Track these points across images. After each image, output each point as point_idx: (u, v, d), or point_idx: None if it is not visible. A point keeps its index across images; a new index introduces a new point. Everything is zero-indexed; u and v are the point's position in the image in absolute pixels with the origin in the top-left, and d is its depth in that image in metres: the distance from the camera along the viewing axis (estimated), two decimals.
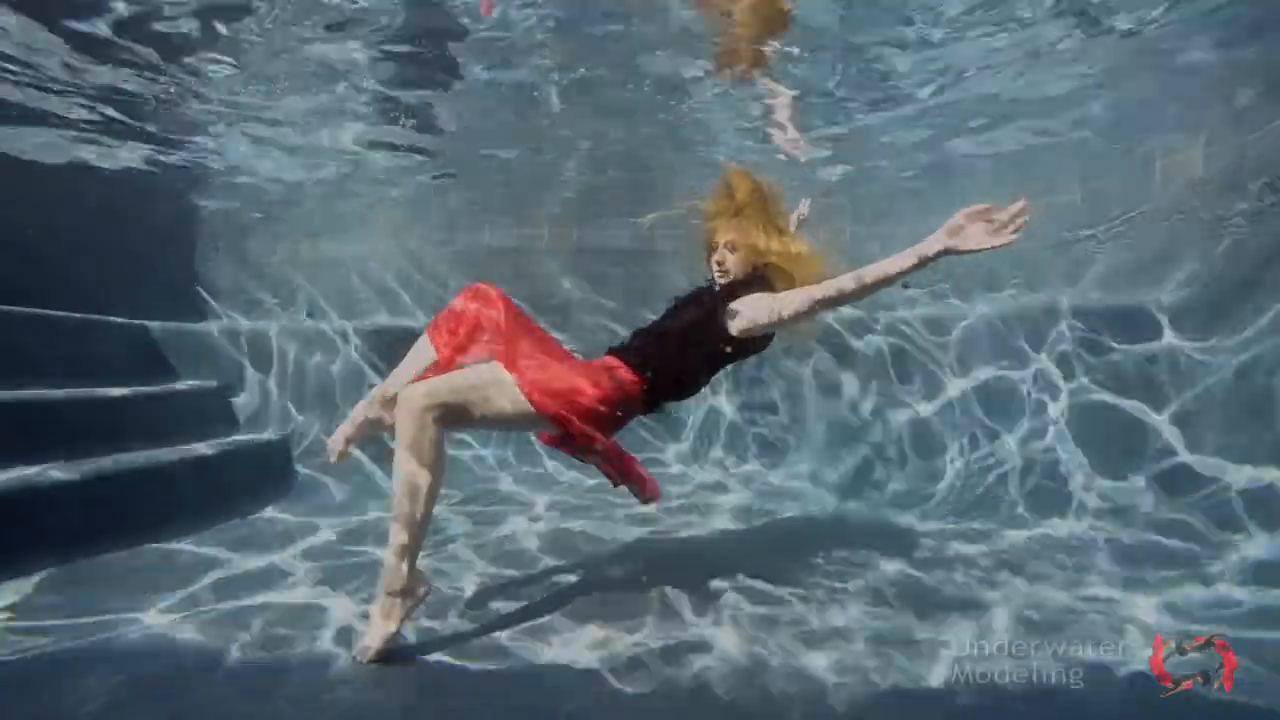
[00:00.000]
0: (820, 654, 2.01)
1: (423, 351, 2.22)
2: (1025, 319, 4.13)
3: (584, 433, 2.09)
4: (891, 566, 2.82)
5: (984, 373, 4.20)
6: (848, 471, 4.47)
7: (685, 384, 2.33)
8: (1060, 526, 3.40)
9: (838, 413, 4.70)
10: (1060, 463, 3.73)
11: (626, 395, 2.21)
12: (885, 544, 3.12)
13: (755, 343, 2.31)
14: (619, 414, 2.20)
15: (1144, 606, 2.36)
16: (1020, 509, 3.63)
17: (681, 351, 2.26)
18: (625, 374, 2.22)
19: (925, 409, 4.34)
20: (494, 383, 2.06)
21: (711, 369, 2.36)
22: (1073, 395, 3.84)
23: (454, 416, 2.00)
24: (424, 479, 1.95)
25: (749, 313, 2.18)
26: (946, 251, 1.76)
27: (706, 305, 2.31)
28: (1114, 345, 3.76)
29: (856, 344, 4.72)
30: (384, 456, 3.81)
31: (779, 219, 2.37)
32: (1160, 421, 3.51)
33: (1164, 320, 3.64)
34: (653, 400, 2.29)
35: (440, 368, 2.16)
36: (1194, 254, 3.74)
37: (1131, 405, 3.64)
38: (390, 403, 2.21)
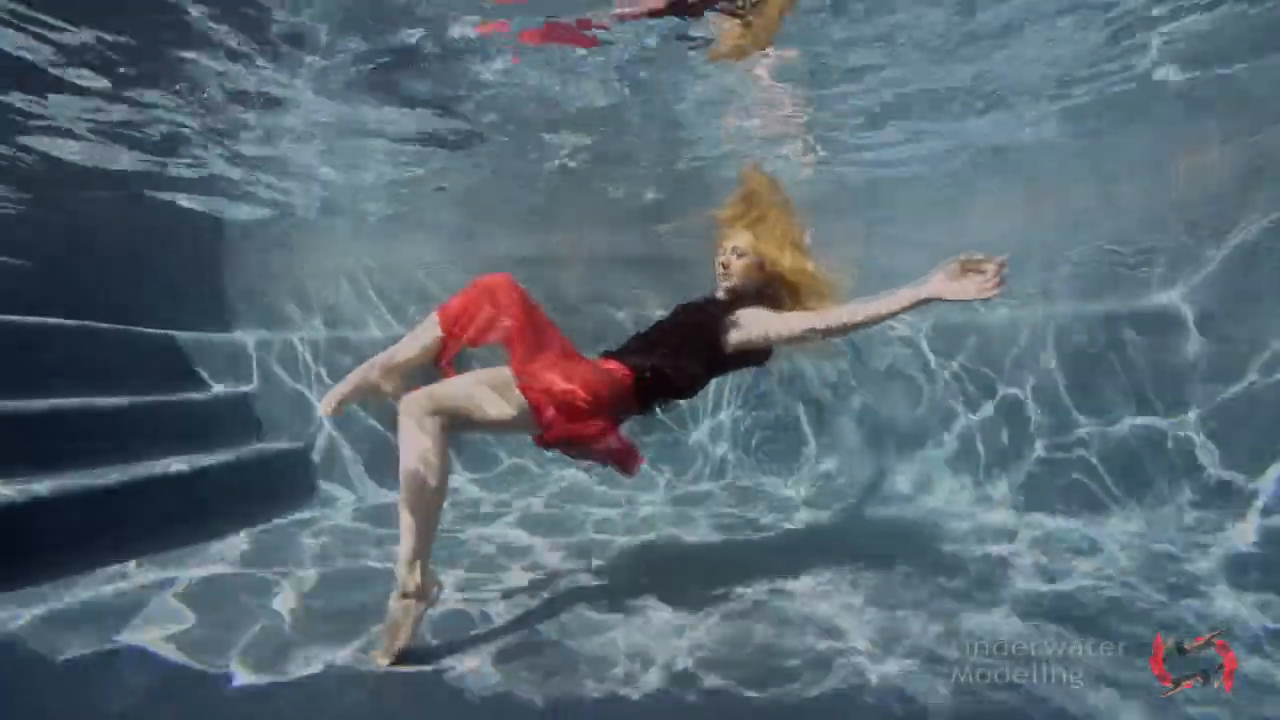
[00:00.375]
0: (841, 656, 2.02)
1: (429, 328, 2.22)
2: (1069, 324, 4.02)
3: (582, 437, 2.13)
4: (921, 568, 2.82)
5: (1024, 377, 4.13)
6: (880, 473, 4.47)
7: (682, 387, 2.36)
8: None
9: (871, 414, 4.70)
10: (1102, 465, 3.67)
11: (623, 397, 2.24)
12: (915, 546, 3.13)
13: (754, 354, 2.33)
14: (616, 416, 2.24)
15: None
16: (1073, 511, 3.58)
17: (678, 356, 2.29)
18: (622, 375, 2.25)
19: (968, 413, 4.30)
20: (496, 386, 2.10)
21: (708, 374, 2.39)
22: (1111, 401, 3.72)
23: (456, 420, 2.04)
24: (429, 483, 1.99)
25: (747, 326, 2.22)
26: (937, 298, 1.82)
27: (708, 313, 2.34)
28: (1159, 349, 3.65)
29: (894, 346, 4.69)
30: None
31: (793, 232, 2.38)
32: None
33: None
34: (647, 401, 2.32)
35: (447, 349, 2.18)
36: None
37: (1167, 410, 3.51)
38: (390, 372, 2.24)
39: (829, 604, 2.44)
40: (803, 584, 2.64)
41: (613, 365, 2.27)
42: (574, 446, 2.19)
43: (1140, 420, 3.59)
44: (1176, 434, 3.43)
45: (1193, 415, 3.41)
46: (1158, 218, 4.02)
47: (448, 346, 2.19)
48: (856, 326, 2.03)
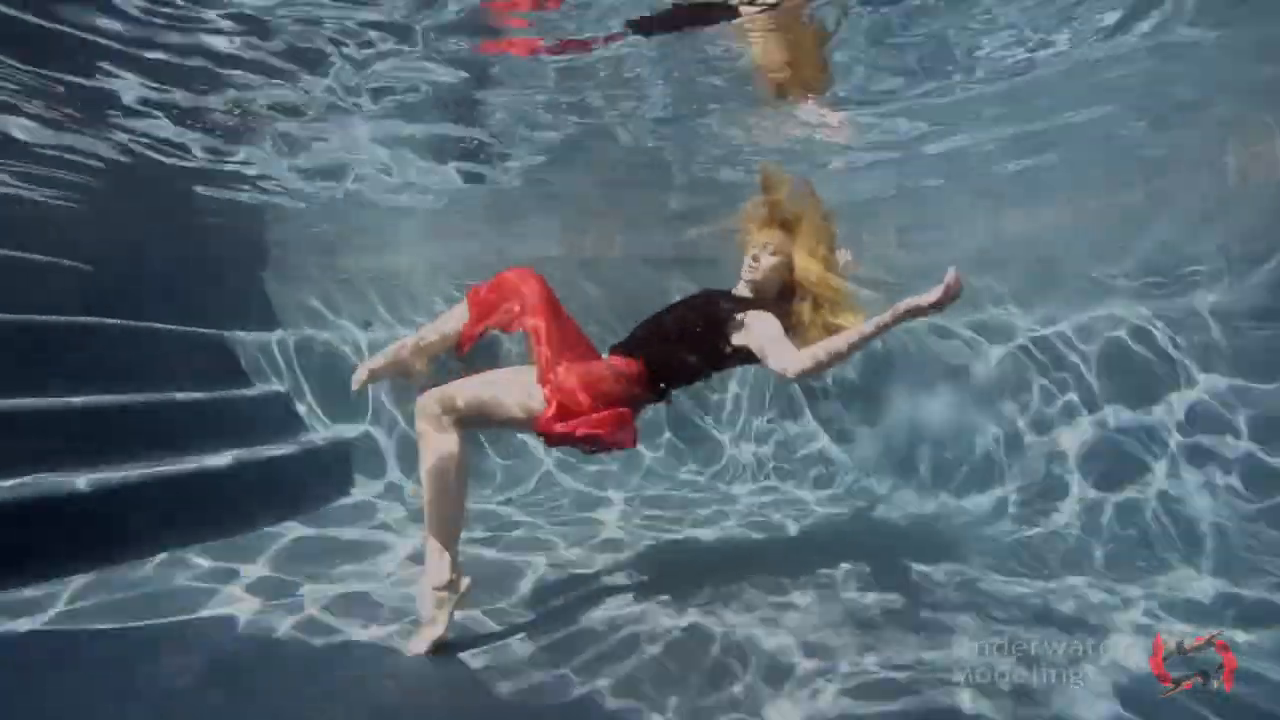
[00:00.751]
0: (870, 658, 2.03)
1: (458, 314, 2.32)
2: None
3: (594, 436, 2.18)
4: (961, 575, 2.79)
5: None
6: (927, 476, 4.40)
7: (692, 375, 2.41)
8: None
9: (919, 417, 4.63)
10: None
11: (635, 393, 2.30)
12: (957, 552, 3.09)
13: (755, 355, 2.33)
14: (630, 410, 2.29)
15: None
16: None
17: (683, 347, 2.33)
18: (634, 371, 2.30)
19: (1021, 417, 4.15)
20: (511, 384, 2.16)
21: (711, 367, 2.42)
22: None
23: (471, 418, 2.10)
24: (450, 479, 2.05)
25: (749, 332, 2.25)
26: (904, 315, 1.86)
27: (721, 306, 2.37)
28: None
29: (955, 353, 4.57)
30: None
31: (826, 242, 2.37)
32: None
33: None
34: (658, 391, 2.38)
35: (469, 335, 2.27)
36: None
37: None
38: (420, 352, 2.34)
39: (846, 609, 2.44)
40: (820, 587, 2.65)
41: (624, 363, 2.32)
42: (583, 443, 2.25)
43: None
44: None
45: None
46: None
47: (470, 332, 2.27)
48: (840, 359, 2.02)
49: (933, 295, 1.79)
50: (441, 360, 2.44)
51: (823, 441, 4.97)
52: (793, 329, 2.35)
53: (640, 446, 4.90)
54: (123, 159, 4.34)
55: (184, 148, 4.19)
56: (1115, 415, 3.71)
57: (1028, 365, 4.16)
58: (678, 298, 2.59)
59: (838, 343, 2.00)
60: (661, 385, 2.37)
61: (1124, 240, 4.27)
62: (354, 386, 2.37)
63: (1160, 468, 3.43)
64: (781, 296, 2.40)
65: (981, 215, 5.32)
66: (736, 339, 2.29)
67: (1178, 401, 3.48)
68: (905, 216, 5.60)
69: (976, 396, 4.32)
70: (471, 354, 2.31)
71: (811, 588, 2.63)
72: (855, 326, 2.02)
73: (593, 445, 2.26)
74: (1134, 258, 4.18)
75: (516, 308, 2.23)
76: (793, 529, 3.67)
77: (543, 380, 2.15)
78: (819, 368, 2.02)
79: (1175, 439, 3.45)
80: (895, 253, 5.34)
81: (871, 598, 2.53)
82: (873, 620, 2.32)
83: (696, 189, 5.19)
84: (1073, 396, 3.91)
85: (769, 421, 5.18)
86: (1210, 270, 3.77)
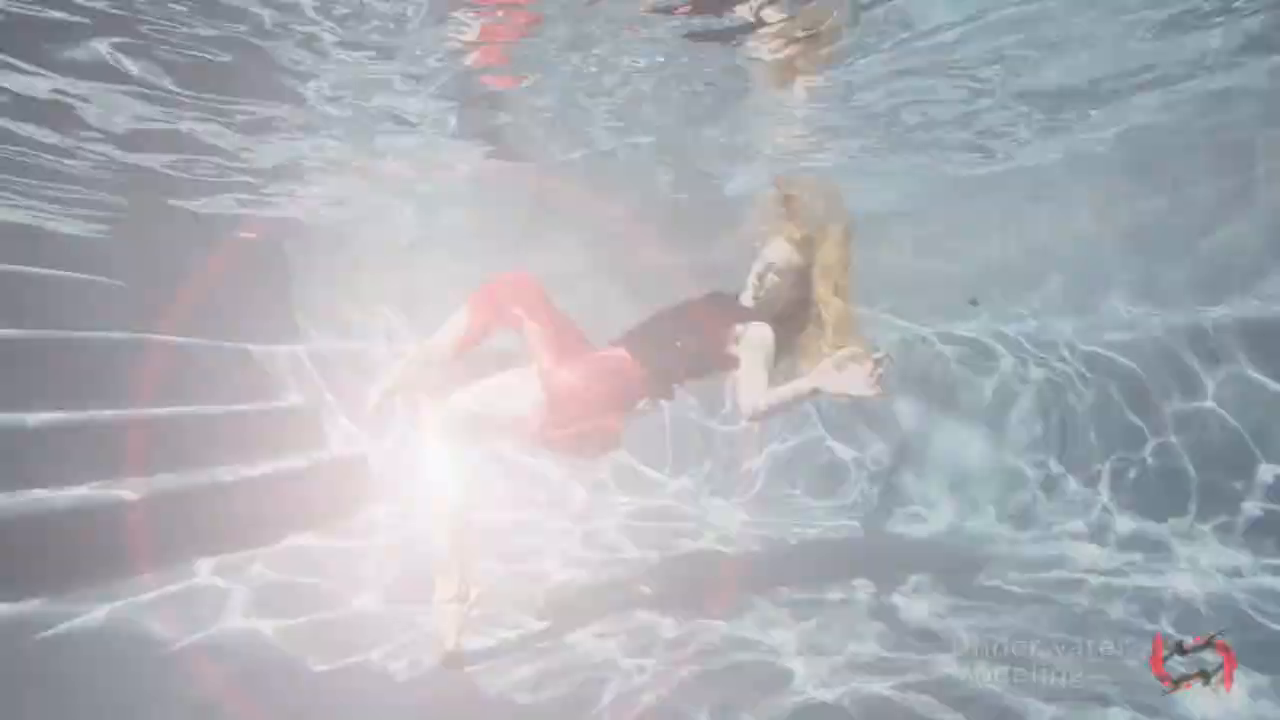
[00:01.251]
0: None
1: (459, 320, 2.35)
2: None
3: (589, 441, 2.19)
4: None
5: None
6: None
7: (686, 377, 2.42)
8: None
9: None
10: None
11: (634, 392, 2.31)
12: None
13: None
14: (626, 407, 2.30)
15: None
16: None
17: (683, 351, 2.34)
18: (631, 369, 2.30)
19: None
20: (511, 391, 2.18)
21: (708, 369, 2.42)
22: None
23: (475, 426, 2.13)
24: (455, 490, 2.08)
25: (743, 342, 2.26)
26: (818, 391, 1.90)
27: (724, 316, 2.37)
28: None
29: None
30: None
31: (841, 264, 2.32)
32: None
33: None
34: (656, 390, 2.36)
35: (470, 338, 2.32)
36: None
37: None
38: (429, 364, 2.36)
39: (847, 617, 2.44)
40: (818, 597, 2.65)
41: (623, 361, 2.32)
42: (578, 442, 2.25)
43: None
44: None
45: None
46: None
47: (471, 336, 2.32)
48: (780, 412, 2.11)
49: (868, 391, 1.79)
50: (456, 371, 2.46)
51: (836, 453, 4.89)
52: (796, 346, 2.35)
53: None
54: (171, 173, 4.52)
55: (222, 158, 4.32)
56: (1142, 426, 3.60)
57: (1052, 377, 4.06)
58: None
59: (775, 397, 2.06)
60: (660, 383, 2.37)
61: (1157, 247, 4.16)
62: (370, 410, 2.41)
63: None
64: (787, 311, 2.38)
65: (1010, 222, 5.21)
66: (735, 348, 2.29)
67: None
68: (925, 226, 5.51)
69: (993, 412, 4.22)
70: (480, 362, 2.33)
71: (830, 599, 2.61)
72: (818, 369, 2.02)
73: (587, 448, 2.26)
74: (1168, 264, 4.07)
75: (516, 311, 2.26)
76: (807, 542, 3.61)
77: (542, 384, 2.16)
78: (767, 414, 2.11)
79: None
80: (911, 262, 5.23)
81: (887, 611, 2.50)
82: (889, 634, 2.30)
83: (712, 195, 5.20)
84: (1098, 406, 3.80)
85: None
86: (1246, 278, 3.66)
